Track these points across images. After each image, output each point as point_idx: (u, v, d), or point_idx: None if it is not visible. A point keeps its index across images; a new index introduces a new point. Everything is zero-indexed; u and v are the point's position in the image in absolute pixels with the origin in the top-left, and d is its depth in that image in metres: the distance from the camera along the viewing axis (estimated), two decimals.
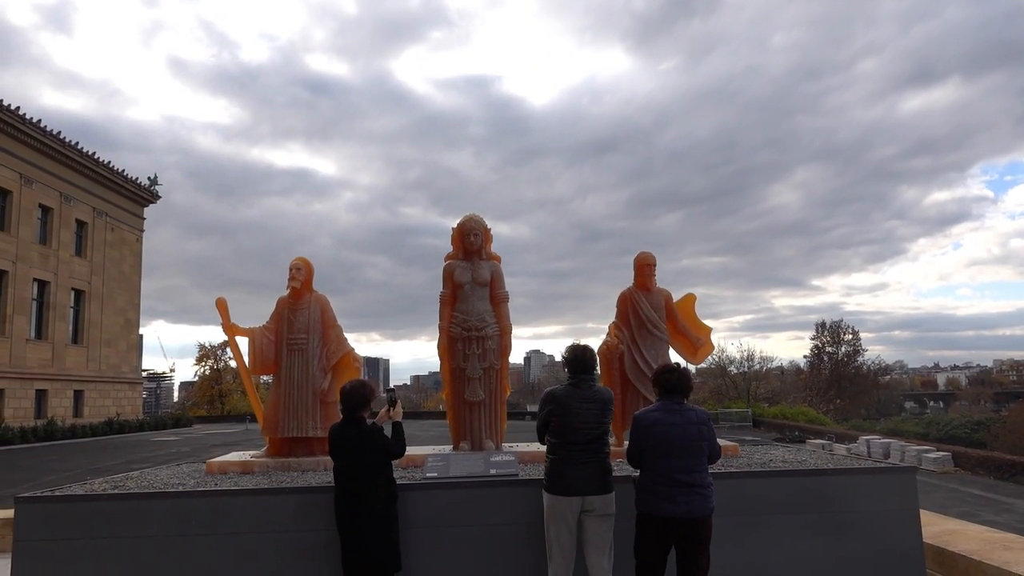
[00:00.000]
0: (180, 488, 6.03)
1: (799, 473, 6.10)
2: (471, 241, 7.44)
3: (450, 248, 7.68)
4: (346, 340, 7.45)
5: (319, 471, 6.89)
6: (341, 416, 5.36)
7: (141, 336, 51.53)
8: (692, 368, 7.67)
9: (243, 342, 7.47)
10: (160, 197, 50.51)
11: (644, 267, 7.54)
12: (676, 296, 7.83)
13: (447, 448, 7.59)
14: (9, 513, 7.95)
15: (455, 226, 7.63)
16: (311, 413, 7.16)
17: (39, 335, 38.57)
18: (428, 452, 7.30)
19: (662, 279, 7.71)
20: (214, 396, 70.48)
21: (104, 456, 26.22)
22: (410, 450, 7.66)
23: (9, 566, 5.51)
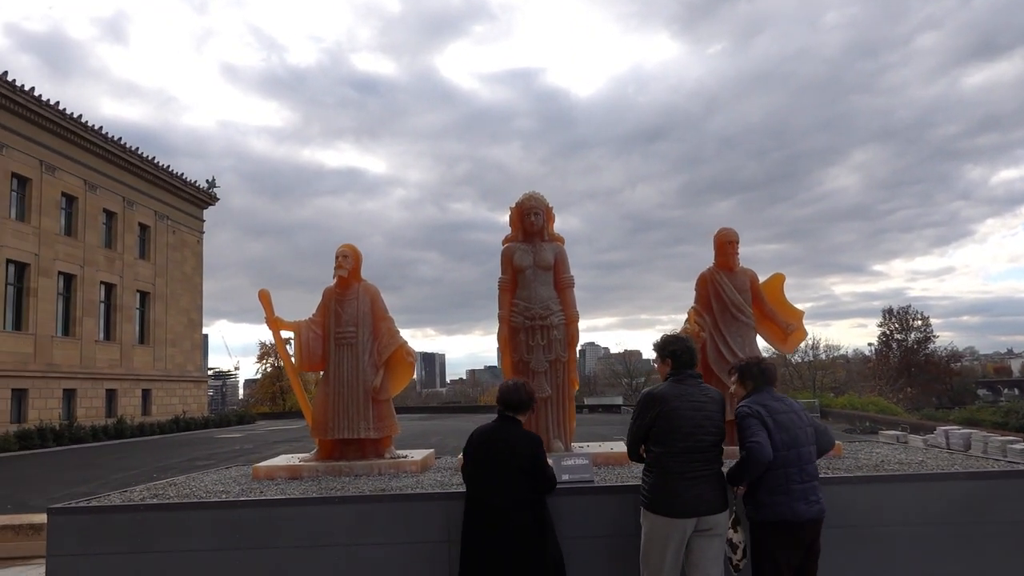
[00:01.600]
0: (224, 496, 5.54)
1: (926, 478, 5.24)
2: (532, 221, 6.76)
3: (508, 231, 7.02)
4: (398, 333, 6.86)
5: (373, 476, 6.32)
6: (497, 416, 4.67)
7: (205, 336, 52.58)
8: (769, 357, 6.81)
9: (289, 337, 6.96)
10: (218, 199, 51.33)
11: (726, 244, 6.73)
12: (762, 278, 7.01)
13: None
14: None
15: (513, 205, 6.96)
16: (362, 413, 6.60)
17: (107, 336, 39.52)
18: None
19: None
20: (276, 393, 71.71)
21: (170, 453, 26.51)
22: None
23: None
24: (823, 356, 66.88)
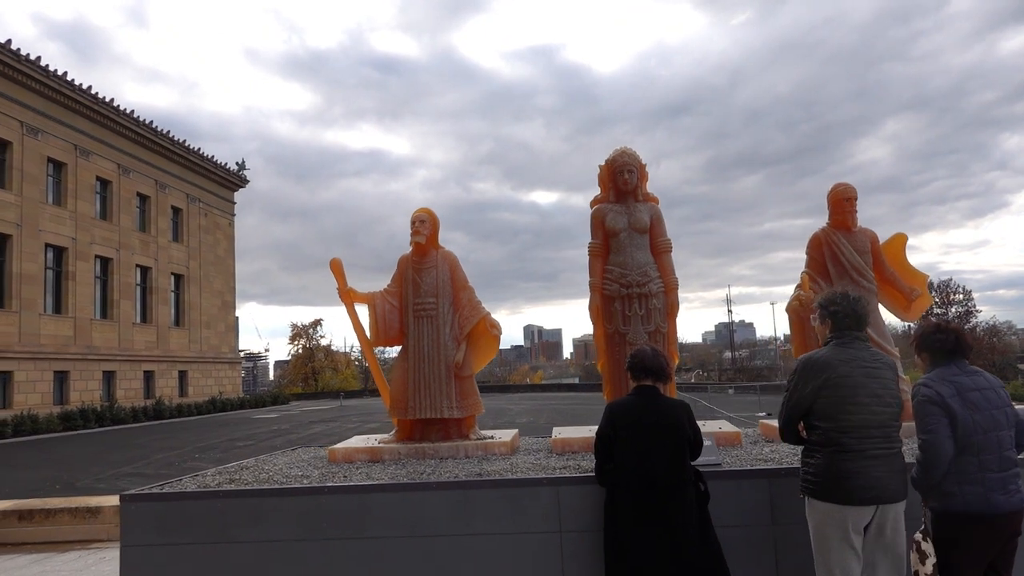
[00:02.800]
0: (305, 481, 5.07)
1: None
2: (625, 179, 6.16)
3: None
4: (480, 303, 6.33)
5: (460, 458, 5.82)
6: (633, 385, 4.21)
7: (237, 318, 52.71)
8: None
9: (362, 311, 6.46)
10: (248, 181, 51.18)
11: (843, 202, 6.06)
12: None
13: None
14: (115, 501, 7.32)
15: (603, 163, 6.36)
16: (445, 391, 6.09)
17: (144, 319, 39.65)
18: (590, 433, 6.12)
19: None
20: (308, 374, 72.06)
21: (209, 434, 26.46)
22: (564, 431, 6.52)
23: (118, 560, 4.68)
24: None
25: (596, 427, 6.56)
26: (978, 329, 74.16)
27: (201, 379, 44.02)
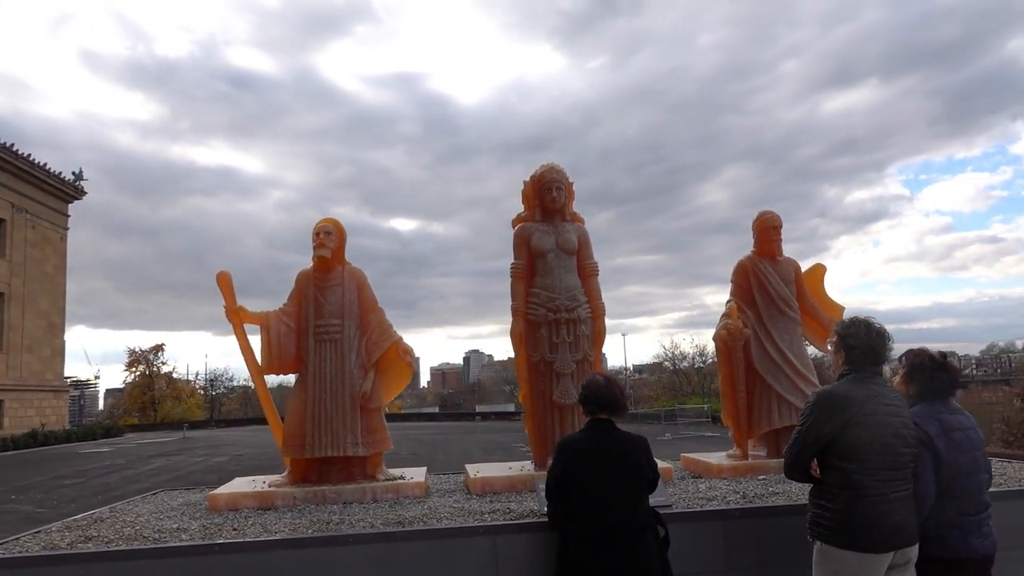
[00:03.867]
0: (185, 537, 4.19)
1: None
2: (553, 197, 5.78)
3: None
4: (391, 327, 5.69)
5: (367, 503, 5.12)
6: (587, 419, 3.77)
7: (64, 341, 47.64)
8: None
9: (253, 333, 5.62)
10: (86, 193, 46.63)
11: (769, 230, 6.00)
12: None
13: (527, 465, 5.90)
14: None
15: (529, 179, 5.96)
16: (349, 425, 5.37)
17: None
18: (511, 471, 5.60)
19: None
20: (146, 403, 66.27)
21: (31, 471, 23.33)
22: (480, 468, 5.94)
23: None
24: (711, 362, 69.20)
25: (515, 464, 6.09)
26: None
27: (20, 409, 39.12)
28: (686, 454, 6.51)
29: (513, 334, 5.70)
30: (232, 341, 5.56)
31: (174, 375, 71.75)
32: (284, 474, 5.53)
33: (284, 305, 5.64)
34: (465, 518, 4.43)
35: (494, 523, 4.21)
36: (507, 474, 5.41)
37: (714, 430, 43.36)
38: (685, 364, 67.56)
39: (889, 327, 3.37)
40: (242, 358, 5.61)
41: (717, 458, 6.03)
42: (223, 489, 5.36)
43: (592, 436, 3.65)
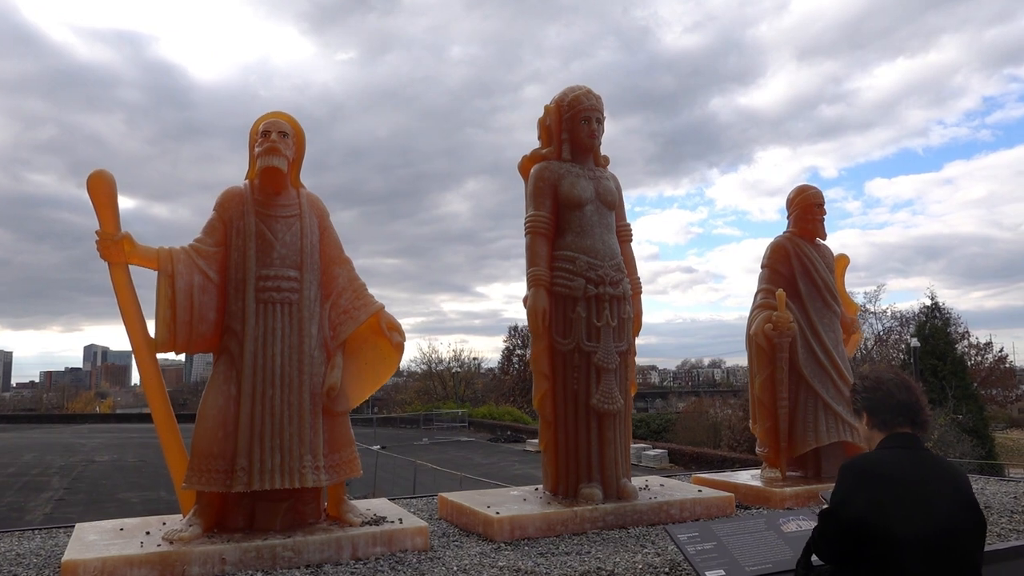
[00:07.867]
0: None
1: None
2: (592, 130, 4.27)
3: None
4: (366, 289, 3.77)
5: (345, 564, 3.19)
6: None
7: None
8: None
9: (143, 281, 3.37)
10: None
11: (813, 207, 5.02)
12: None
13: (536, 489, 4.29)
14: None
15: (553, 103, 4.37)
16: (308, 438, 3.37)
17: None
18: (534, 505, 3.91)
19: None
20: None
21: None
22: (487, 501, 4.12)
23: None
24: (469, 367, 69.66)
25: (518, 490, 4.33)
26: None
27: None
28: (712, 476, 5.21)
29: (534, 311, 4.07)
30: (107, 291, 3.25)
31: None
32: (186, 519, 3.32)
33: (197, 239, 3.46)
34: None
35: None
36: (542, 511, 3.79)
37: (470, 434, 43.38)
38: (441, 368, 67.40)
39: None
40: (121, 322, 3.29)
41: (753, 479, 4.94)
42: (86, 553, 3.02)
43: (903, 459, 2.25)
